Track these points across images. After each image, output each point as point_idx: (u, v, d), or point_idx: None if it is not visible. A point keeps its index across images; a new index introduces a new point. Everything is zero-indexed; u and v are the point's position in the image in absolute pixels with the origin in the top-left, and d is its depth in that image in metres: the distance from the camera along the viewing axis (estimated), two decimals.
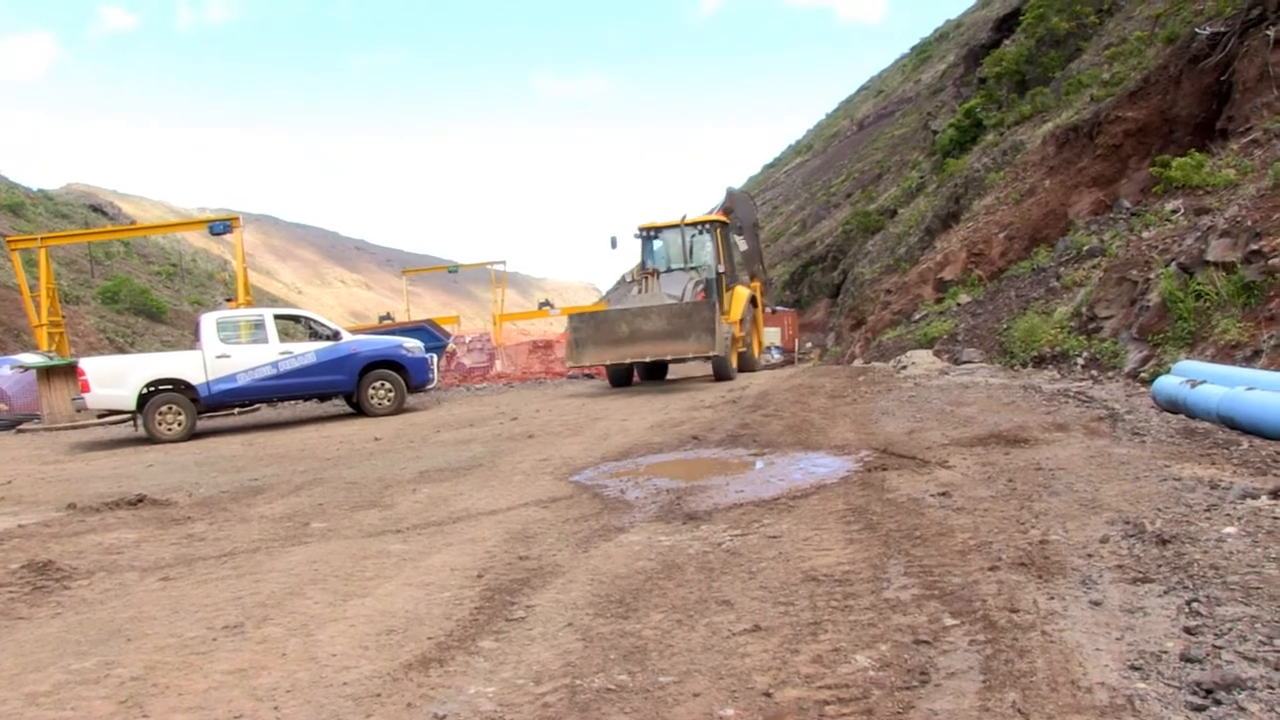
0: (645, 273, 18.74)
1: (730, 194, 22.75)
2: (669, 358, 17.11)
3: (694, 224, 20.61)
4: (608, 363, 17.77)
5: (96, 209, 79.48)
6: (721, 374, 18.09)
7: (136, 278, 57.48)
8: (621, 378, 19.44)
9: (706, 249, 20.63)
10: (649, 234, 20.81)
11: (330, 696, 4.01)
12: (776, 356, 39.31)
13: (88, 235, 39.33)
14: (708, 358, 16.96)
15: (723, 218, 21.11)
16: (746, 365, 20.52)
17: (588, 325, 17.57)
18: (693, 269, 20.07)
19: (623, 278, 22.83)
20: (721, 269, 20.04)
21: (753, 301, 21.69)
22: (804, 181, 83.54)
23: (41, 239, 24.50)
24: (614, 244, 20.36)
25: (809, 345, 40.53)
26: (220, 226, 22.72)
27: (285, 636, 4.84)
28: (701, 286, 19.19)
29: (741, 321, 20.00)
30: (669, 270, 20.16)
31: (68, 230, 46.27)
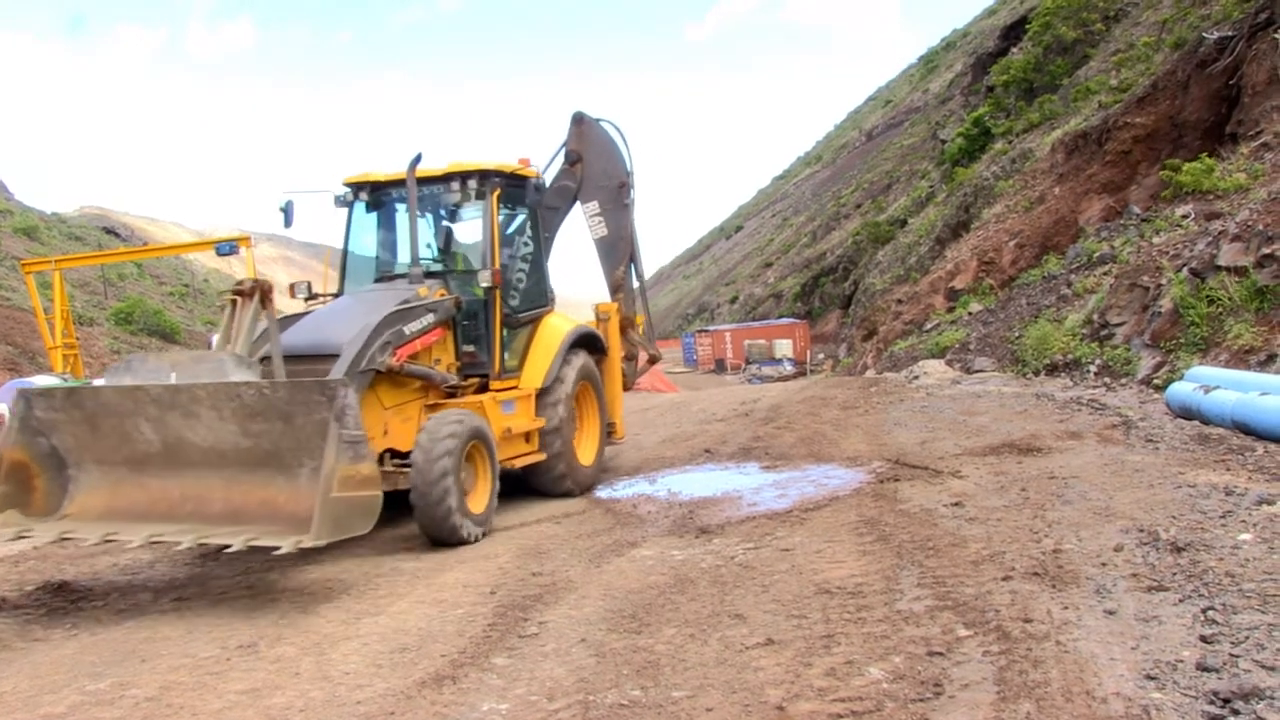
0: (238, 290, 7.04)
1: (579, 124, 11.49)
2: (193, 540, 5.96)
3: (439, 179, 9.19)
4: (96, 533, 6.22)
5: (109, 231, 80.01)
6: (435, 538, 7.28)
7: (150, 299, 57.70)
8: None
9: (474, 232, 9.71)
10: (361, 197, 9.60)
11: (344, 715, 4.02)
12: (789, 368, 39.34)
13: (101, 258, 39.58)
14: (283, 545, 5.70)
15: (521, 168, 9.65)
16: (546, 482, 9.22)
17: (69, 420, 6.84)
18: (436, 274, 9.18)
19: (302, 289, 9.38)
20: (488, 282, 8.65)
21: (590, 344, 10.17)
22: (813, 193, 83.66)
23: (55, 262, 24.66)
24: (287, 219, 9.28)
25: (821, 356, 40.54)
26: (226, 247, 22.59)
27: (299, 655, 4.84)
28: (429, 323, 8.18)
29: (548, 392, 9.17)
30: (385, 279, 9.36)
31: (81, 253, 46.54)
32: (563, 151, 11.48)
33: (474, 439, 7.56)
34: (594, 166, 11.44)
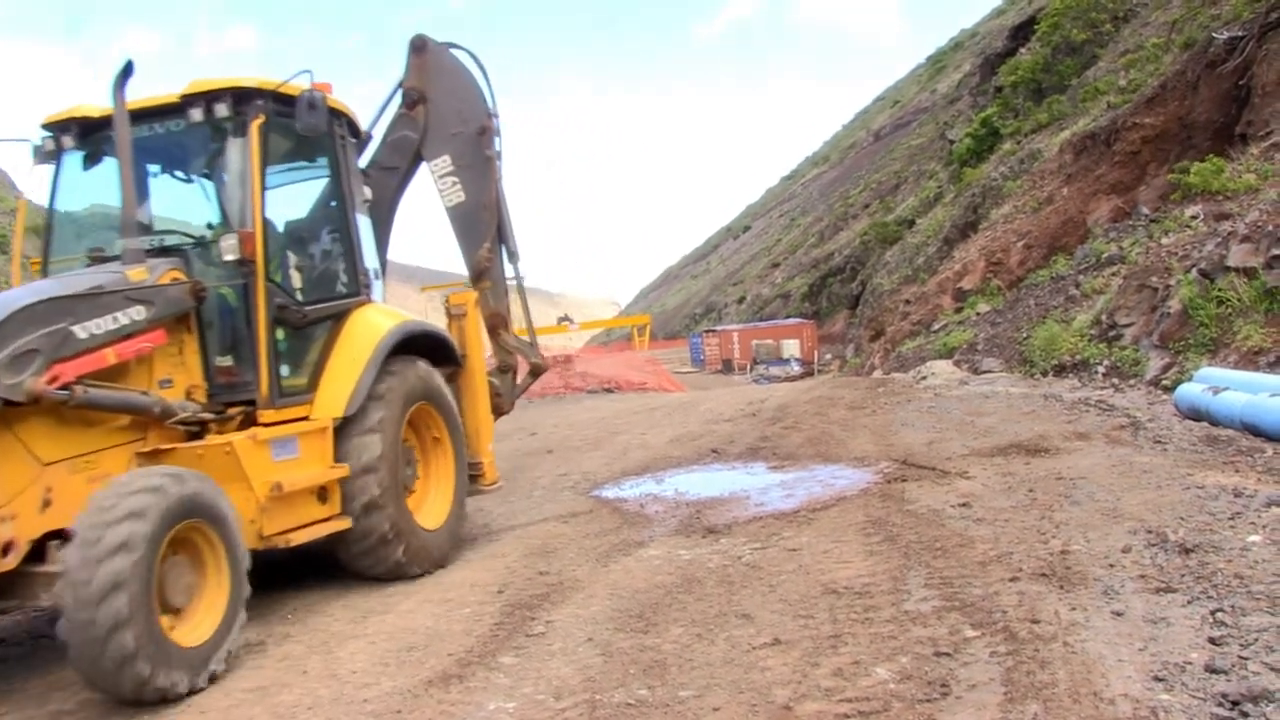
0: None
1: (420, 52, 8.65)
2: None
3: (174, 107, 6.18)
4: None
5: None
6: (105, 691, 4.31)
7: None
8: None
9: (226, 183, 6.46)
10: (69, 145, 6.43)
11: (351, 714, 4.03)
12: (796, 369, 39.31)
13: None
14: None
15: (293, 87, 6.22)
16: (361, 557, 6.22)
17: None
18: (174, 250, 6.03)
19: None
20: (233, 253, 5.81)
21: (432, 349, 7.27)
22: (821, 193, 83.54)
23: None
24: None
25: (828, 357, 40.49)
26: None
27: (306, 654, 4.86)
28: (133, 322, 5.31)
29: (355, 423, 6.24)
30: (100, 259, 6.04)
31: None
32: (400, 92, 8.52)
33: (187, 518, 4.65)
34: (443, 108, 8.53)
